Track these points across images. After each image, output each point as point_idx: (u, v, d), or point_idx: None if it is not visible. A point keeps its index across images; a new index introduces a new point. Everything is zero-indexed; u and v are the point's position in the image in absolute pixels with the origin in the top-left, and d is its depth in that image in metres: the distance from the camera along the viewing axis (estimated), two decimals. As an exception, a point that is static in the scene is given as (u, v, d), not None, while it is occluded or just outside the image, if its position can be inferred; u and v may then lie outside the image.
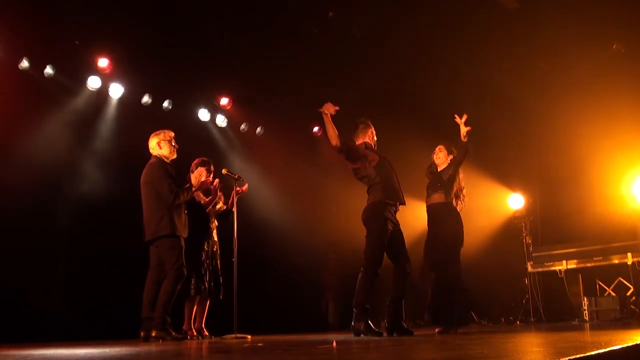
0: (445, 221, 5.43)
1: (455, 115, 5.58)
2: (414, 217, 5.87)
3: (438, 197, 5.51)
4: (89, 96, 6.94)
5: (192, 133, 7.47)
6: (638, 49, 7.55)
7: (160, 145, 5.34)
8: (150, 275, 5.24)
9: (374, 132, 5.32)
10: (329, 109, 4.92)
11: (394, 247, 4.99)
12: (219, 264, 5.77)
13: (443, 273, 5.36)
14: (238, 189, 5.74)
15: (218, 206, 5.85)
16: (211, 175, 5.75)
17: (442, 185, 5.51)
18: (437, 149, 5.73)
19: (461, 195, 5.59)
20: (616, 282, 7.97)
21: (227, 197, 5.96)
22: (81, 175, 6.66)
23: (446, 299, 5.29)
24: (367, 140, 5.23)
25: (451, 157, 5.62)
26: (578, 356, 2.13)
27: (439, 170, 5.66)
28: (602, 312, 7.53)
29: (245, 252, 5.65)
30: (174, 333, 5.08)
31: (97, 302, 6.26)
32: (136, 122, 6.79)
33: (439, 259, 5.37)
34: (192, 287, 5.52)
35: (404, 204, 5.12)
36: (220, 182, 5.79)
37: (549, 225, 8.90)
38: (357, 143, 5.23)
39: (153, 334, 4.99)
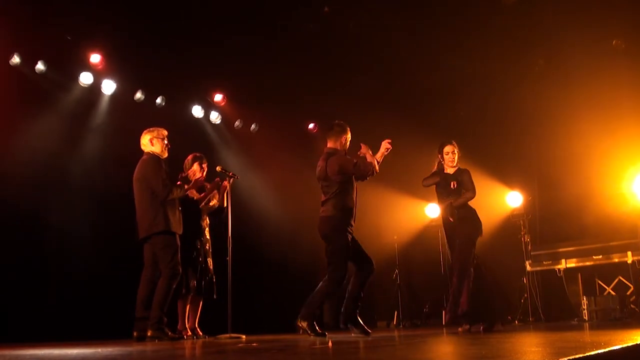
0: (467, 220, 5.43)
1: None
2: (415, 217, 5.79)
3: (452, 200, 5.47)
4: (81, 92, 6.91)
5: (185, 130, 7.44)
6: (638, 45, 7.49)
7: (152, 143, 5.30)
8: (144, 273, 5.19)
9: (349, 139, 5.08)
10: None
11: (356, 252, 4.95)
12: (210, 262, 5.70)
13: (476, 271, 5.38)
14: (225, 184, 5.68)
15: (211, 203, 5.80)
16: (205, 171, 5.72)
17: (453, 190, 5.49)
18: (449, 150, 5.62)
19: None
20: (616, 281, 7.91)
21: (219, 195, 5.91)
22: (73, 172, 6.62)
23: (484, 297, 5.29)
24: (337, 146, 5.01)
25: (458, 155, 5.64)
26: (577, 356, 2.10)
27: (446, 171, 5.62)
28: (602, 312, 7.47)
29: (240, 250, 5.60)
30: (170, 333, 5.04)
31: (90, 301, 6.23)
32: (129, 118, 6.75)
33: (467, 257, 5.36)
34: (185, 285, 5.46)
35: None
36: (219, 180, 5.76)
37: (547, 223, 8.84)
38: (328, 145, 5.06)
39: (149, 334, 4.94)
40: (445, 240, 5.72)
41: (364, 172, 4.87)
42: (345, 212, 4.87)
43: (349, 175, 4.90)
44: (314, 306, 4.83)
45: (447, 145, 5.65)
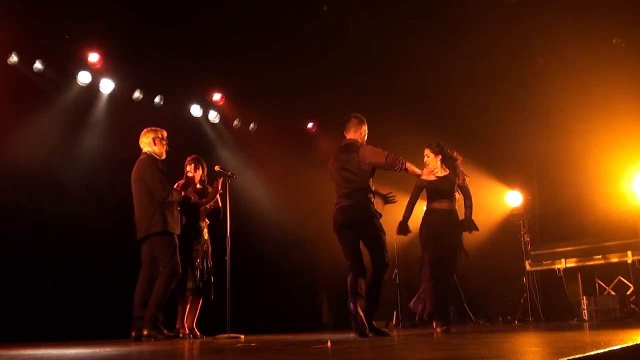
0: (452, 227, 5.39)
1: None
2: (415, 216, 5.76)
3: (447, 204, 5.41)
4: (79, 91, 6.89)
5: (184, 129, 7.42)
6: (638, 43, 7.47)
7: (155, 142, 5.28)
8: (141, 273, 5.18)
9: (367, 131, 5.05)
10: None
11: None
12: (209, 263, 5.69)
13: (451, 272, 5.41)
14: (219, 184, 5.68)
15: (208, 204, 5.79)
16: (204, 172, 5.73)
17: (448, 193, 5.42)
18: (424, 154, 5.55)
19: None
20: (616, 280, 7.90)
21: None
22: (72, 171, 6.59)
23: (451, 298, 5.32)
24: (357, 138, 4.97)
25: (440, 156, 5.47)
26: (577, 356, 2.09)
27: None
28: (602, 312, 7.46)
29: (238, 251, 5.59)
30: (165, 331, 5.03)
31: (88, 301, 6.21)
32: (127, 118, 6.73)
33: (447, 259, 5.34)
34: (184, 286, 5.45)
35: None
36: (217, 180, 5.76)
37: (547, 223, 8.82)
38: (348, 137, 5.02)
39: (145, 333, 4.93)
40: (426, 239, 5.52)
41: (393, 165, 4.72)
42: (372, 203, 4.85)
43: (378, 167, 4.80)
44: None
45: (424, 149, 5.57)
